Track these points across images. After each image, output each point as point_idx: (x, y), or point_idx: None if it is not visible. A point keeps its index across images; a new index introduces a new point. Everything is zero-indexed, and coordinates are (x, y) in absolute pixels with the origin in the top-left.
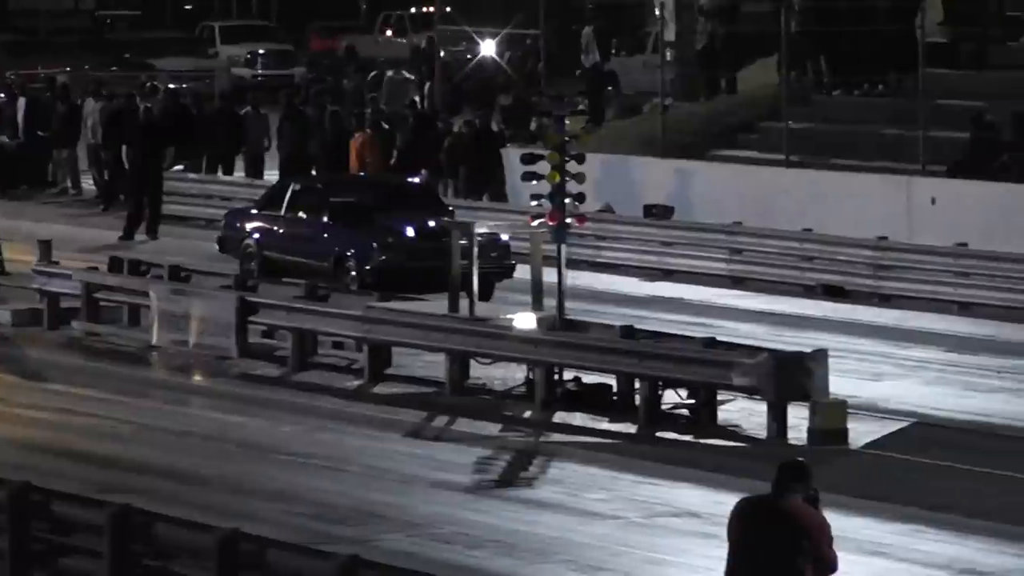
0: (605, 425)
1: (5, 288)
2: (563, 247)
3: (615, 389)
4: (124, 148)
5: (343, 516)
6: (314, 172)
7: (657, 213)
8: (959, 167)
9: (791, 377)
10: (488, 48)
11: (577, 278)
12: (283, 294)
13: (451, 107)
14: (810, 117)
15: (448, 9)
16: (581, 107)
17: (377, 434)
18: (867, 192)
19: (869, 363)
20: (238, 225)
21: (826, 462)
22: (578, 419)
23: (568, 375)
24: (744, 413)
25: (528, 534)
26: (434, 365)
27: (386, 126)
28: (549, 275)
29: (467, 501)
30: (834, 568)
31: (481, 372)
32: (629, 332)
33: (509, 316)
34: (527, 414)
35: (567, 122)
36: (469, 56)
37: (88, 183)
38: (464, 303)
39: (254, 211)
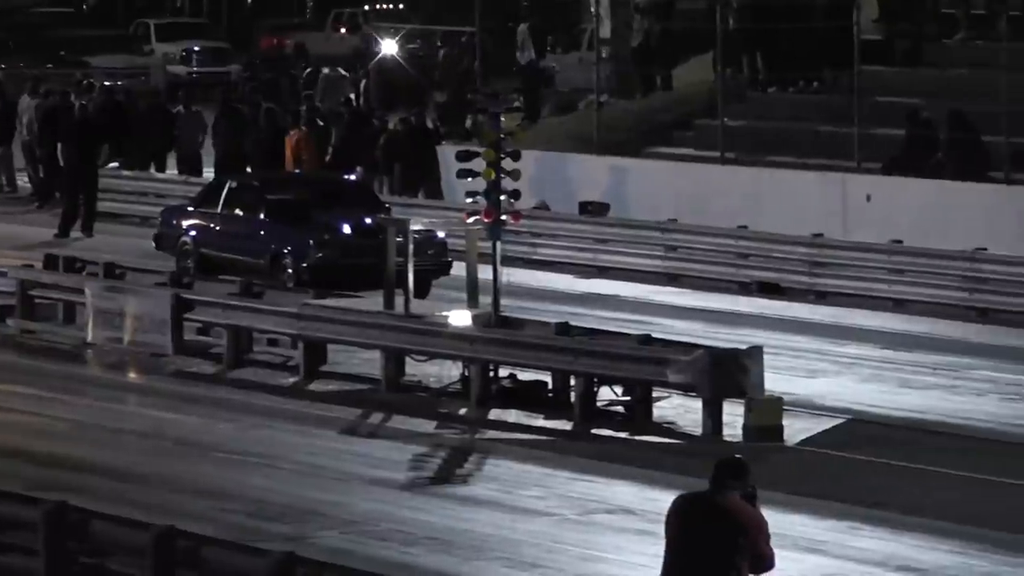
0: (540, 422)
1: None
2: (498, 244)
3: (550, 386)
4: (59, 145)
5: (279, 513)
6: (249, 170)
7: (592, 210)
8: (894, 164)
9: (726, 374)
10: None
11: (512, 275)
12: (218, 291)
13: (386, 104)
14: (745, 114)
15: (386, 7)
16: (516, 104)
17: (312, 431)
18: (802, 189)
19: (804, 360)
20: (174, 222)
21: (762, 459)
22: (513, 416)
23: (503, 372)
24: (679, 410)
25: (463, 531)
26: (370, 362)
27: (321, 123)
28: (485, 272)
29: (403, 498)
30: (771, 565)
31: (416, 369)
32: (564, 329)
33: (444, 313)
34: (462, 411)
35: (502, 119)
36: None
37: (23, 180)
38: (400, 300)
39: (190, 208)
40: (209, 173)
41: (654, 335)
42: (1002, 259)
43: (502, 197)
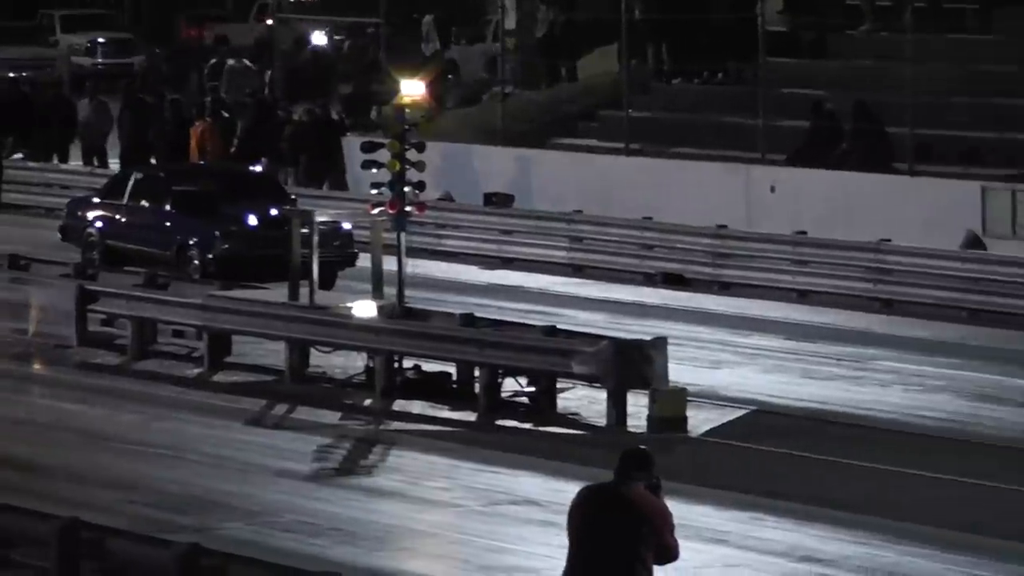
0: (445, 413)
1: None
2: (403, 235)
3: (455, 377)
4: None
5: (183, 504)
6: (154, 161)
7: (497, 201)
8: (799, 156)
9: (631, 365)
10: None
11: (418, 266)
12: (123, 282)
13: (291, 95)
14: (650, 106)
15: None
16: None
17: (217, 422)
18: (707, 180)
19: (708, 351)
20: (80, 214)
21: (666, 450)
22: (418, 407)
23: (408, 363)
24: (584, 401)
25: (368, 522)
26: (274, 353)
27: (226, 115)
28: (390, 263)
29: (307, 489)
30: (675, 556)
31: (321, 360)
32: (469, 320)
33: (349, 304)
34: (367, 402)
35: (407, 111)
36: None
37: None
38: (305, 291)
39: (96, 200)
40: (115, 164)
41: (559, 326)
42: (906, 250)
43: (407, 188)
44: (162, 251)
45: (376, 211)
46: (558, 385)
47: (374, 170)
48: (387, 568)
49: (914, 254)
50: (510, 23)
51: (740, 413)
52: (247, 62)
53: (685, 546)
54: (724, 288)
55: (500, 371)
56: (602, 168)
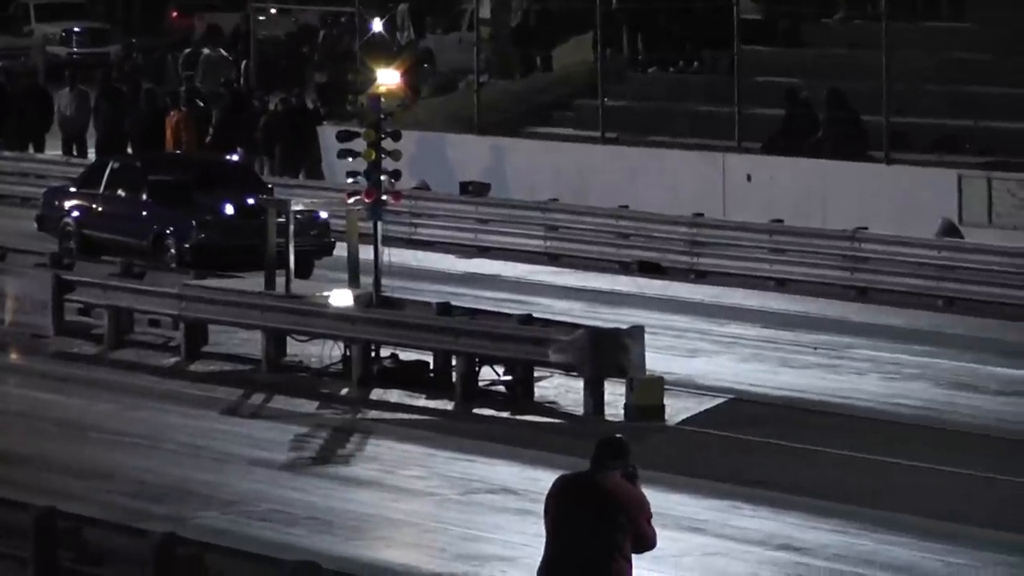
0: (422, 402)
1: None
2: (379, 224)
3: (432, 366)
4: None
5: (160, 494)
6: (130, 150)
7: (473, 190)
8: (774, 144)
9: (607, 354)
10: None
11: (393, 255)
12: (99, 272)
13: (266, 85)
14: (625, 94)
15: None
16: None
17: (193, 412)
18: (682, 169)
19: (685, 340)
20: (56, 203)
21: (643, 438)
22: (395, 396)
23: (385, 352)
24: (561, 390)
25: (344, 511)
26: (251, 342)
27: (201, 104)
28: (366, 252)
29: (284, 479)
30: (653, 544)
31: (298, 349)
32: (446, 309)
33: (325, 293)
34: (344, 391)
35: (383, 100)
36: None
37: None
38: (281, 280)
39: (72, 189)
40: (92, 154)
41: (535, 315)
42: (882, 239)
43: (383, 177)
44: (138, 240)
45: (352, 200)
46: (535, 374)
47: (350, 159)
48: (363, 557)
49: (890, 242)
50: (485, 12)
51: (717, 401)
52: (223, 51)
53: (663, 535)
54: (700, 276)
55: (477, 360)
56: (578, 157)
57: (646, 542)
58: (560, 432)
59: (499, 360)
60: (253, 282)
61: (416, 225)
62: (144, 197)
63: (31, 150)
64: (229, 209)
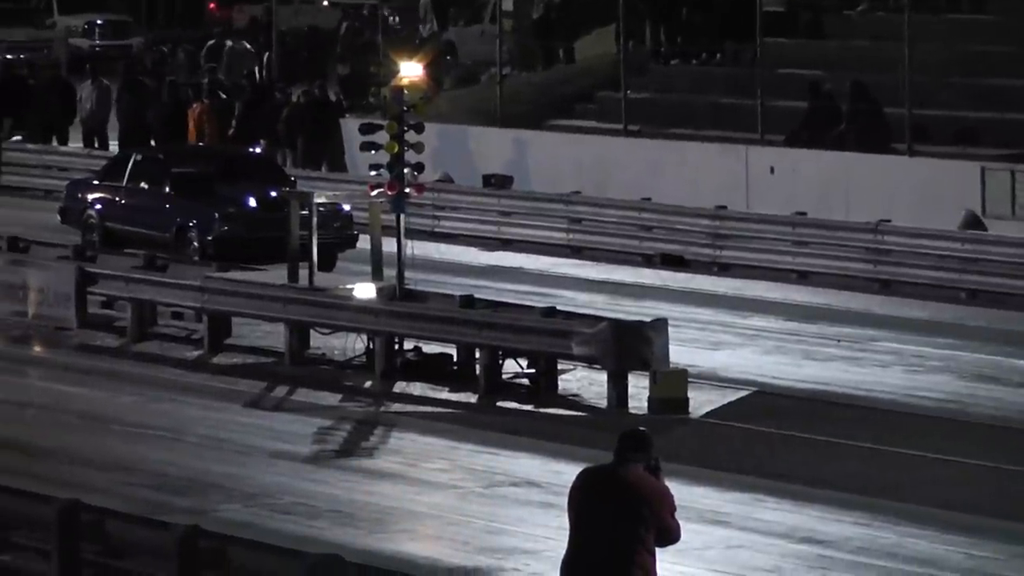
0: (445, 395)
1: None
2: (402, 217)
3: (455, 359)
4: None
5: (182, 487)
6: (153, 143)
7: (496, 183)
8: (797, 136)
9: (631, 346)
10: None
11: (416, 248)
12: (122, 264)
13: (288, 77)
14: (648, 87)
15: None
16: None
17: (216, 404)
18: (705, 161)
19: (708, 332)
20: (79, 196)
21: (666, 431)
22: (418, 389)
23: (408, 345)
24: (584, 382)
25: (367, 504)
26: (274, 335)
27: (224, 96)
28: (389, 245)
29: (306, 471)
30: (677, 537)
31: (321, 342)
32: (469, 302)
33: (348, 286)
34: (367, 384)
35: (405, 92)
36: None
37: None
38: (304, 273)
39: (95, 182)
40: (115, 146)
41: (558, 307)
42: (905, 231)
43: (405, 170)
44: (161, 233)
45: (375, 192)
46: (558, 367)
47: (373, 151)
48: (386, 550)
49: (913, 234)
50: (507, 4)
51: (741, 394)
52: (246, 44)
53: (686, 527)
54: (723, 269)
55: (500, 353)
56: (600, 149)
57: (669, 535)
58: (583, 425)
59: (522, 353)
60: (276, 275)
61: (439, 218)
62: (167, 190)
63: (54, 143)
64: (252, 201)
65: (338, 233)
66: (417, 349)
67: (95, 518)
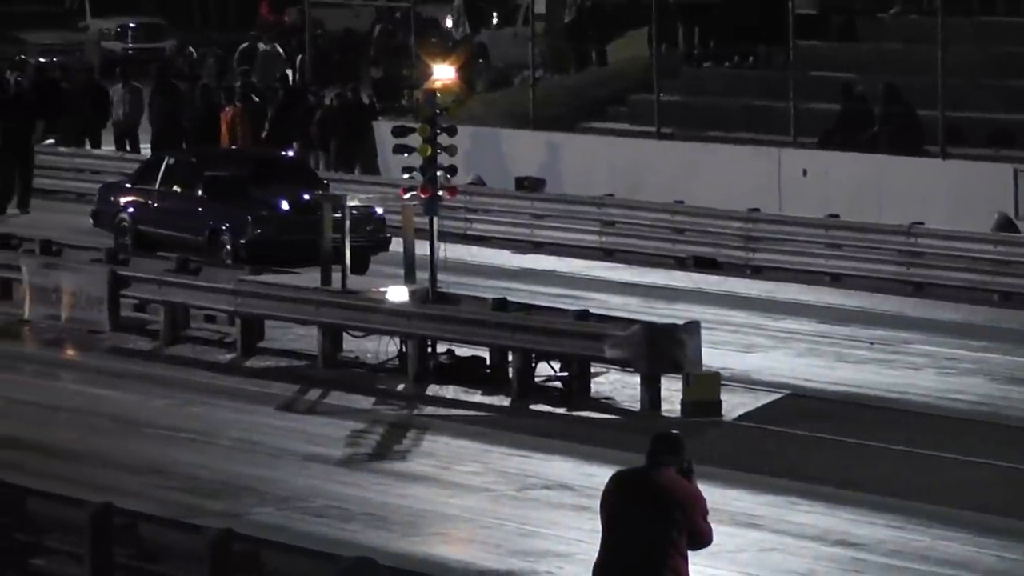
0: (478, 398)
1: None
2: (435, 220)
3: (488, 362)
4: None
5: (214, 490)
6: (186, 146)
7: (528, 185)
8: (829, 139)
9: (664, 349)
10: None
11: (449, 251)
12: (155, 267)
13: (321, 80)
14: (680, 89)
15: None
16: None
17: (249, 407)
18: (738, 164)
19: (741, 335)
20: (112, 199)
21: (699, 434)
22: (451, 392)
23: (441, 348)
24: (617, 385)
25: (400, 507)
26: (307, 338)
27: (256, 99)
28: (422, 248)
29: (339, 474)
30: (709, 540)
31: (354, 345)
32: (501, 305)
33: (381, 289)
34: (400, 387)
35: (438, 95)
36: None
37: None
38: (337, 276)
39: (128, 185)
40: (147, 150)
41: (591, 310)
42: (938, 233)
43: (438, 173)
44: (194, 236)
45: (408, 196)
46: (592, 370)
47: (405, 155)
48: (419, 553)
49: (946, 237)
50: (540, 6)
51: (774, 397)
52: (278, 47)
53: (719, 530)
54: (756, 272)
55: (533, 356)
56: (633, 152)
57: (702, 538)
58: (616, 428)
59: (555, 356)
60: (309, 278)
61: (471, 221)
62: (200, 193)
63: (86, 146)
64: (285, 205)
65: (371, 236)
66: (450, 352)
67: (128, 522)
